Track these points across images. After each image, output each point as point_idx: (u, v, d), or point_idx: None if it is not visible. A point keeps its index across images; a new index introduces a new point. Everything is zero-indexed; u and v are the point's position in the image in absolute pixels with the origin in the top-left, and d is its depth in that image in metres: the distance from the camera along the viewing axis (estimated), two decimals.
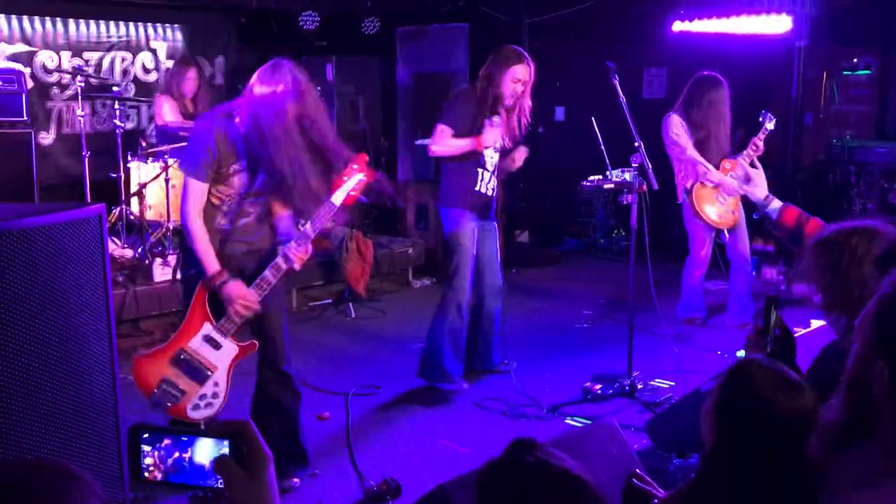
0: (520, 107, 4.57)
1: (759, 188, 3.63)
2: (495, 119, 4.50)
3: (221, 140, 3.17)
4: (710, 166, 5.55)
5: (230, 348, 3.24)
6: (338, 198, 3.31)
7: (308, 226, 3.29)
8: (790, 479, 1.76)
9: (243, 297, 3.21)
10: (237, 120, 3.23)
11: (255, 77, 3.25)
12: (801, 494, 1.73)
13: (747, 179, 3.71)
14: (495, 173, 4.74)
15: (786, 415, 1.78)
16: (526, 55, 4.54)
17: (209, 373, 3.20)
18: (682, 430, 3.60)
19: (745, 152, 5.46)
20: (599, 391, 4.61)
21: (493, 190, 4.75)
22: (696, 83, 5.63)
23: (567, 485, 1.53)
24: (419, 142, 7.76)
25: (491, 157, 4.66)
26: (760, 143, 5.47)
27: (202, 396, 3.19)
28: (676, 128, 5.59)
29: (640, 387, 4.65)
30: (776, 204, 3.48)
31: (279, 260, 3.26)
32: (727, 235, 5.72)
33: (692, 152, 5.57)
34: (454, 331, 4.65)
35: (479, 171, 4.64)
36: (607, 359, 5.05)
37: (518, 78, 4.47)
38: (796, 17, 6.85)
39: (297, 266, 3.28)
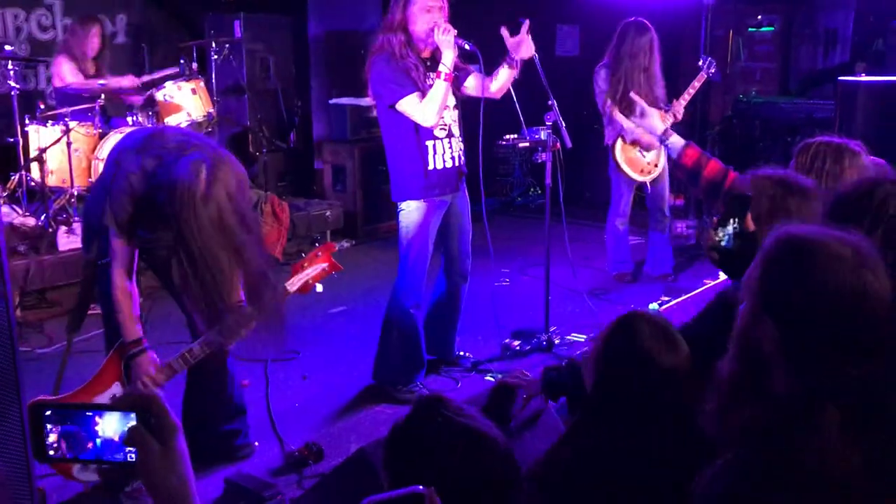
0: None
1: (654, 121, 3.57)
2: (442, 36, 3.78)
3: None
4: (629, 122, 5.49)
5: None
6: (293, 284, 3.11)
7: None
8: (666, 426, 1.86)
9: (147, 374, 2.99)
10: None
11: None
12: (678, 442, 1.81)
13: (642, 114, 3.64)
14: (455, 135, 4.07)
15: (666, 367, 1.89)
16: None
17: None
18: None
19: (681, 97, 5.57)
20: (518, 347, 4.68)
21: (457, 158, 4.08)
22: (619, 32, 5.62)
23: (472, 441, 1.55)
24: (334, 101, 7.63)
25: (443, 120, 3.95)
26: (696, 87, 5.59)
27: None
28: (601, 84, 5.63)
29: (557, 342, 4.75)
30: (676, 140, 3.40)
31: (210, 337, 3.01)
32: (649, 188, 5.85)
33: (616, 114, 5.58)
34: (405, 337, 4.13)
35: (431, 143, 3.95)
36: (525, 315, 5.12)
37: (429, 5, 3.84)
38: None
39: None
